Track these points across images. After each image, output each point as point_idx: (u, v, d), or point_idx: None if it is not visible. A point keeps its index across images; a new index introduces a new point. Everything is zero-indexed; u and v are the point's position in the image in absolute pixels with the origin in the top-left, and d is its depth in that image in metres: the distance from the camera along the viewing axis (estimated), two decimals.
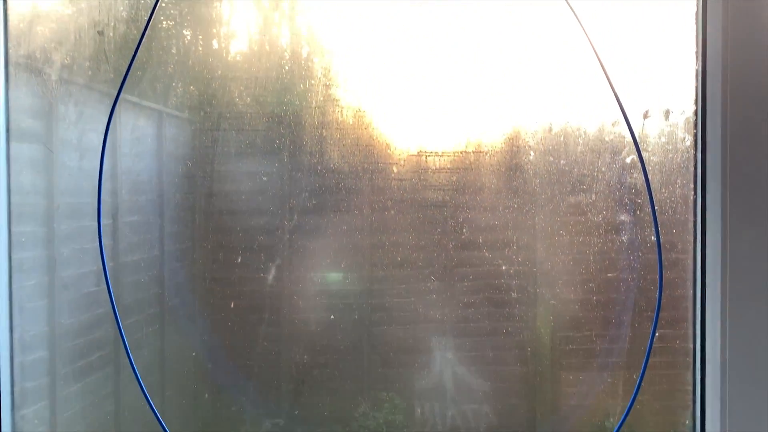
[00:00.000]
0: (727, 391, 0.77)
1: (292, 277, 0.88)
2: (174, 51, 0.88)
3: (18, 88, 0.88)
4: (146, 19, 0.85)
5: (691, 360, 0.81)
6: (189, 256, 0.90)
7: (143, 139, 0.90)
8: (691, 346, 0.82)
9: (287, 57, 0.86)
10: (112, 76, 0.88)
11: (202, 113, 0.88)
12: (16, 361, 0.89)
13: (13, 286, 0.88)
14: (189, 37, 0.89)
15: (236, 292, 0.89)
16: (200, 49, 0.88)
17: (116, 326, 0.82)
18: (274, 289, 0.88)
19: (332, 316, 0.88)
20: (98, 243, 0.83)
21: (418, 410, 0.87)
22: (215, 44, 0.88)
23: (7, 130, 0.88)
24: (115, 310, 0.82)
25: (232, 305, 0.89)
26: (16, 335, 0.89)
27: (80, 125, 0.90)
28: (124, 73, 0.81)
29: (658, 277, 0.73)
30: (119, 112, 0.89)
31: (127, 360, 0.81)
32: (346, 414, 0.88)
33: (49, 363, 0.91)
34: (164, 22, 0.88)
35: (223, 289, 0.89)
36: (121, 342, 0.82)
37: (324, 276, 0.88)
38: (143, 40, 0.82)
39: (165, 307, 0.91)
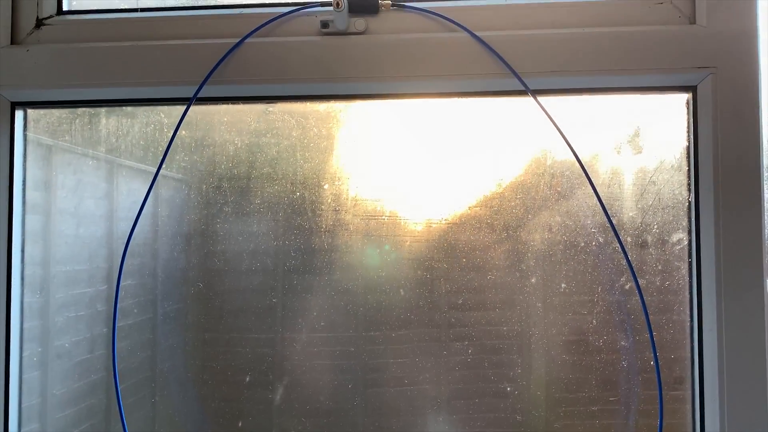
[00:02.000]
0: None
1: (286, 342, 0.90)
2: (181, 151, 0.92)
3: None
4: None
5: None
6: (182, 318, 0.91)
7: (139, 203, 0.92)
8: None
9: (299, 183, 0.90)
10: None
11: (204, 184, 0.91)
12: None
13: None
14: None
15: (228, 355, 0.90)
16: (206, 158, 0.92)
17: (114, 392, 0.86)
18: (267, 353, 0.90)
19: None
20: (113, 307, 0.88)
21: None
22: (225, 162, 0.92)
23: (23, 204, 0.92)
24: (116, 375, 0.85)
25: (223, 368, 0.90)
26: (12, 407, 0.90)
27: (78, 193, 0.93)
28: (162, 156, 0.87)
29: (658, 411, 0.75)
30: (117, 176, 0.93)
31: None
32: None
33: None
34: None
35: (214, 351, 0.91)
36: (117, 407, 0.85)
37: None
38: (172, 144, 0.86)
39: (156, 370, 0.92)
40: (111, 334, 0.89)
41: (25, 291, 0.92)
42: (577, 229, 0.87)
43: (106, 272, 0.93)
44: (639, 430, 0.86)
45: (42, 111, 0.92)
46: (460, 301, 0.88)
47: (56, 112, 0.93)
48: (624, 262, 0.85)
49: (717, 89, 0.82)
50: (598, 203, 0.83)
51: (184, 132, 0.91)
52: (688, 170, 0.85)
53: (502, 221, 0.88)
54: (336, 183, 0.90)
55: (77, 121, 0.93)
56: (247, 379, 0.90)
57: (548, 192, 0.87)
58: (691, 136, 0.85)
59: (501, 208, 0.88)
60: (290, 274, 0.89)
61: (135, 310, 0.92)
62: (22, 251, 0.91)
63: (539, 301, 0.87)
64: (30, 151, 0.92)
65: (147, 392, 0.92)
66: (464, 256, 0.88)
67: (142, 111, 0.92)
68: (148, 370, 0.92)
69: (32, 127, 0.92)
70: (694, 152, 0.84)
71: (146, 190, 0.87)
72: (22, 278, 0.91)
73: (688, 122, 0.85)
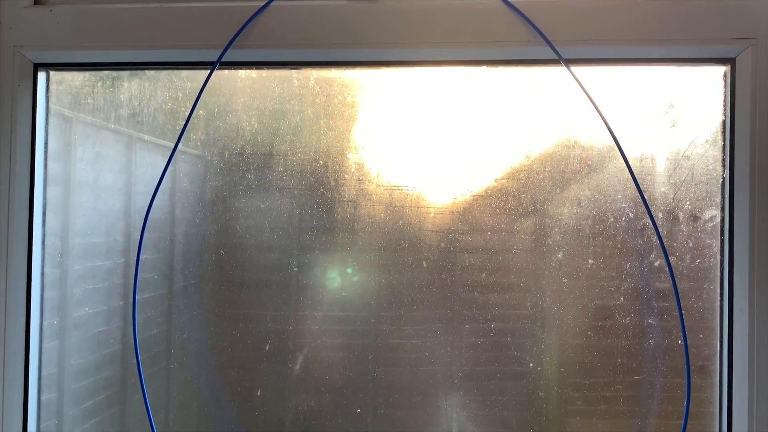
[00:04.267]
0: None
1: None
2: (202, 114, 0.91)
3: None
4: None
5: None
6: (197, 293, 0.91)
7: (157, 177, 0.91)
8: None
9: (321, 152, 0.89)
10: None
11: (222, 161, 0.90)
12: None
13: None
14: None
15: (242, 330, 0.90)
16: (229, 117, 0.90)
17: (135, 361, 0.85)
18: (281, 328, 0.89)
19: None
20: (133, 282, 0.88)
21: None
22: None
23: (45, 168, 0.91)
24: (137, 347, 0.84)
25: (238, 344, 0.90)
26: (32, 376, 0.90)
27: (97, 166, 0.93)
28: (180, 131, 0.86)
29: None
30: (135, 150, 0.93)
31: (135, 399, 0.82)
32: None
33: (57, 404, 0.92)
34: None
35: (229, 327, 0.90)
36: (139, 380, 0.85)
37: None
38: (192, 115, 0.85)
39: (172, 344, 0.92)
40: (131, 305, 0.88)
41: (45, 262, 0.91)
42: (607, 204, 0.85)
43: (122, 245, 0.93)
44: (665, 411, 0.84)
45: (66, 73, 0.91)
46: (484, 275, 0.86)
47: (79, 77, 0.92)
48: (654, 238, 0.83)
49: (756, 62, 0.79)
50: (629, 177, 0.81)
51: (206, 97, 0.89)
52: (724, 145, 0.83)
53: (529, 194, 0.86)
54: (360, 152, 0.88)
55: (99, 84, 0.92)
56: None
57: (578, 165, 0.85)
58: (728, 111, 0.82)
59: (529, 181, 0.86)
60: (312, 242, 0.88)
61: (151, 285, 0.91)
62: (43, 221, 0.90)
63: (565, 276, 0.85)
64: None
65: (163, 365, 0.92)
66: (489, 228, 0.86)
67: (164, 74, 0.91)
68: (164, 342, 0.91)
69: (54, 91, 0.91)
70: (731, 127, 0.82)
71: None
72: (43, 248, 0.91)
73: (725, 96, 0.83)
